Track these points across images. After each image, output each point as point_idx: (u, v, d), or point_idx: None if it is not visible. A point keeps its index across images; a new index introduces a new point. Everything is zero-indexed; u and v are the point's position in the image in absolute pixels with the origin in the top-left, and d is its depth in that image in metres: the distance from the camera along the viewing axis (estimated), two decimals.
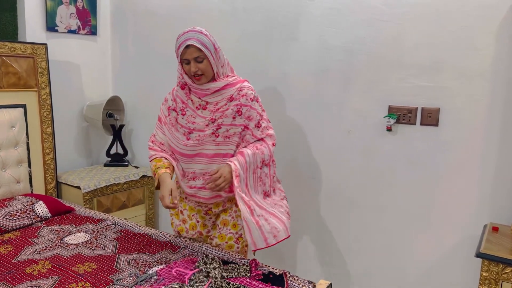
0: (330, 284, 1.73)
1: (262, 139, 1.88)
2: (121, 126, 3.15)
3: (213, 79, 1.83)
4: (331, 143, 2.44)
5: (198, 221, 2.01)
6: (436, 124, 2.11)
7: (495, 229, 1.86)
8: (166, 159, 1.92)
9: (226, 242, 1.98)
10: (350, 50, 2.30)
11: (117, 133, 3.15)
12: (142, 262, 1.80)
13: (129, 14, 3.15)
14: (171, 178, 1.85)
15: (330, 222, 2.53)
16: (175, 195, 1.76)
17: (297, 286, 1.63)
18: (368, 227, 2.39)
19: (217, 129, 1.82)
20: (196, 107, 1.86)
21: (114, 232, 2.13)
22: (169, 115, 1.92)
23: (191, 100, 1.87)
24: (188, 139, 1.86)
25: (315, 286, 1.68)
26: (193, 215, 2.01)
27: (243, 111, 1.84)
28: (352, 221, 2.44)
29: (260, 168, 1.87)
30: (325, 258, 2.57)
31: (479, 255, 1.63)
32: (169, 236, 2.08)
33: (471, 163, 2.06)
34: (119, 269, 1.74)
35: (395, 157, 2.26)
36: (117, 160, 3.17)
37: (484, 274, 1.64)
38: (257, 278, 1.65)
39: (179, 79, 1.88)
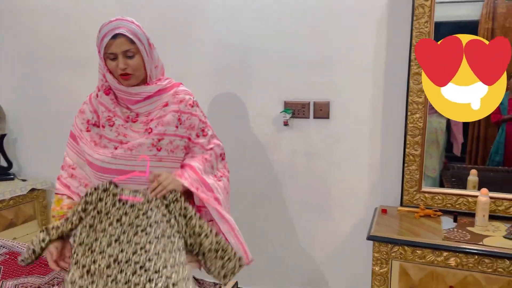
0: (236, 282, 1.73)
1: (211, 149, 1.64)
2: (3, 136, 2.83)
3: (144, 82, 1.53)
4: (234, 141, 2.44)
5: None
6: (328, 117, 2.22)
7: (384, 211, 2.01)
8: (69, 197, 1.54)
9: None
10: (246, 48, 2.32)
11: None
12: (31, 286, 1.63)
13: (5, 11, 2.83)
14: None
15: (239, 218, 2.52)
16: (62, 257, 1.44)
17: None
18: (274, 221, 2.44)
19: (158, 140, 1.47)
20: (125, 120, 1.52)
21: None
22: (88, 130, 1.54)
23: (119, 109, 1.52)
24: (116, 148, 1.48)
25: (220, 287, 1.67)
26: None
27: (183, 119, 1.54)
28: (259, 216, 2.47)
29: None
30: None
31: (369, 237, 1.75)
32: None
33: (360, 151, 2.21)
34: None
35: (293, 150, 2.33)
36: (1, 174, 2.85)
37: (375, 255, 1.77)
38: None
39: (101, 81, 1.52)
